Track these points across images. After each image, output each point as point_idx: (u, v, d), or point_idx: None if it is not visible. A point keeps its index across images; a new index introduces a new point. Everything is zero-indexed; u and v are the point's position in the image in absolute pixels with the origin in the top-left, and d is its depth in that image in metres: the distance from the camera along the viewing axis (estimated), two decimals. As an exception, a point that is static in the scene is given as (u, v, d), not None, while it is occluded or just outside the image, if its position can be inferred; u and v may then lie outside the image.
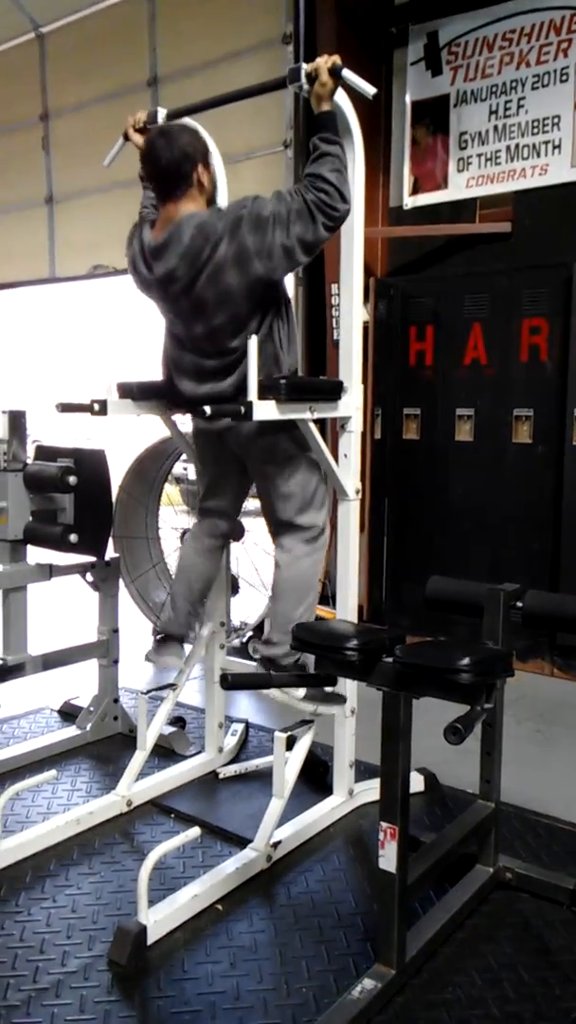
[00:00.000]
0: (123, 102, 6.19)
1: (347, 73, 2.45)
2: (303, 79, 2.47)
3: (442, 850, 2.22)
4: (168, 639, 2.91)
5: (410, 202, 4.89)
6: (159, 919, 2.18)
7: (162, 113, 2.83)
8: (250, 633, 4.55)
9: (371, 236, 4.27)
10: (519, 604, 2.30)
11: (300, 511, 2.71)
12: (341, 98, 2.54)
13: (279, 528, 2.75)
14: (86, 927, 2.24)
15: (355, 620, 2.84)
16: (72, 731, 3.39)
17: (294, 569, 2.72)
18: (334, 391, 2.65)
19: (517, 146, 4.48)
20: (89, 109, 6.53)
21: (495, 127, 4.55)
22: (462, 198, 4.70)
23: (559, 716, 3.77)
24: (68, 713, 3.63)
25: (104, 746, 3.36)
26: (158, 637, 2.93)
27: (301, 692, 2.65)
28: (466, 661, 1.82)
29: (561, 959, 2.12)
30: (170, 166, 2.44)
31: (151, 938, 2.14)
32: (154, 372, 2.83)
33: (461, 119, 4.67)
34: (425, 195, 4.83)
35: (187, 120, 2.82)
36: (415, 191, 4.87)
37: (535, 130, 4.42)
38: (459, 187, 4.71)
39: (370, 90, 2.54)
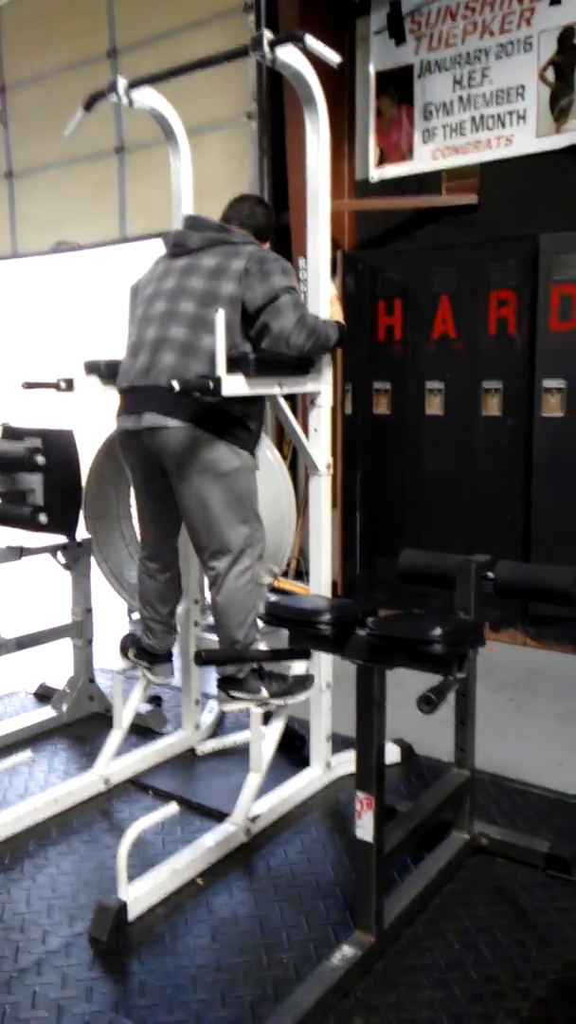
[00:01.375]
0: (83, 72, 6.07)
1: (311, 41, 2.41)
2: (265, 47, 2.42)
3: (418, 818, 2.25)
4: (157, 658, 2.93)
5: (376, 174, 4.86)
6: (139, 895, 2.19)
7: (122, 83, 2.78)
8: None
9: (338, 209, 4.24)
10: (490, 575, 2.32)
11: (233, 527, 2.55)
12: (304, 66, 2.50)
13: (210, 549, 2.58)
14: (66, 906, 2.25)
15: (328, 595, 2.85)
16: (48, 712, 3.38)
17: (228, 591, 2.62)
18: (303, 366, 2.64)
19: (482, 117, 4.46)
20: (48, 80, 6.40)
21: (460, 97, 4.53)
22: (428, 170, 4.69)
23: (532, 685, 3.82)
24: (43, 695, 3.62)
25: (81, 726, 3.35)
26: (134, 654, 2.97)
27: (265, 693, 2.63)
28: (438, 632, 1.84)
29: (537, 921, 2.16)
30: None
31: (132, 914, 2.15)
32: (121, 350, 2.79)
33: (425, 89, 4.64)
34: (391, 167, 4.81)
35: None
36: (381, 163, 4.84)
37: (500, 100, 4.40)
38: (425, 158, 4.69)
39: (334, 58, 2.50)
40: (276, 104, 5.24)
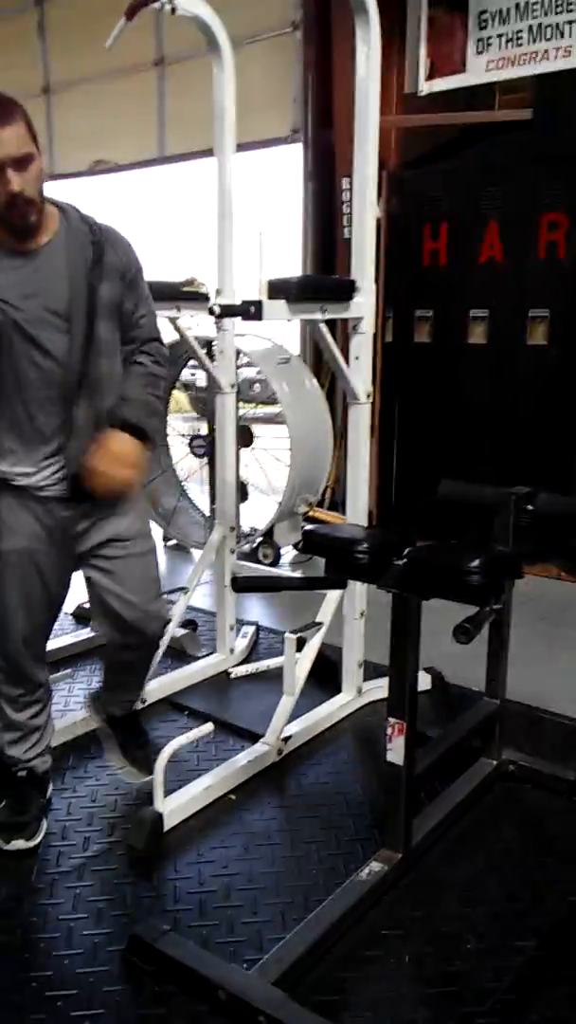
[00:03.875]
0: (122, -20, 5.83)
1: None
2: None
3: (447, 744, 2.29)
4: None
5: (426, 87, 4.63)
6: (174, 807, 2.27)
7: (164, -12, 2.66)
8: (259, 538, 4.58)
9: (384, 126, 4.07)
10: (530, 507, 2.30)
11: (157, 598, 2.23)
12: (354, -30, 2.37)
13: (142, 642, 2.23)
14: (105, 815, 2.34)
15: (365, 524, 2.85)
16: (87, 633, 3.46)
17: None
18: (346, 291, 2.58)
19: (540, 25, 4.21)
20: (86, -11, 6.17)
21: (516, 5, 4.27)
22: (481, 83, 4.46)
23: (566, 618, 3.82)
24: (82, 616, 3.70)
25: (118, 647, 3.43)
26: None
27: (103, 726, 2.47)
28: (475, 563, 1.83)
29: (561, 846, 2.21)
30: None
31: (167, 825, 2.24)
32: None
33: (482, -5, 4.38)
34: (442, 80, 4.58)
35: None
36: (431, 75, 4.61)
37: (559, 8, 4.14)
38: (478, 71, 4.45)
39: (386, -39, 2.37)
40: (323, 14, 5.00)
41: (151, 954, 1.79)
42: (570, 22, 4.12)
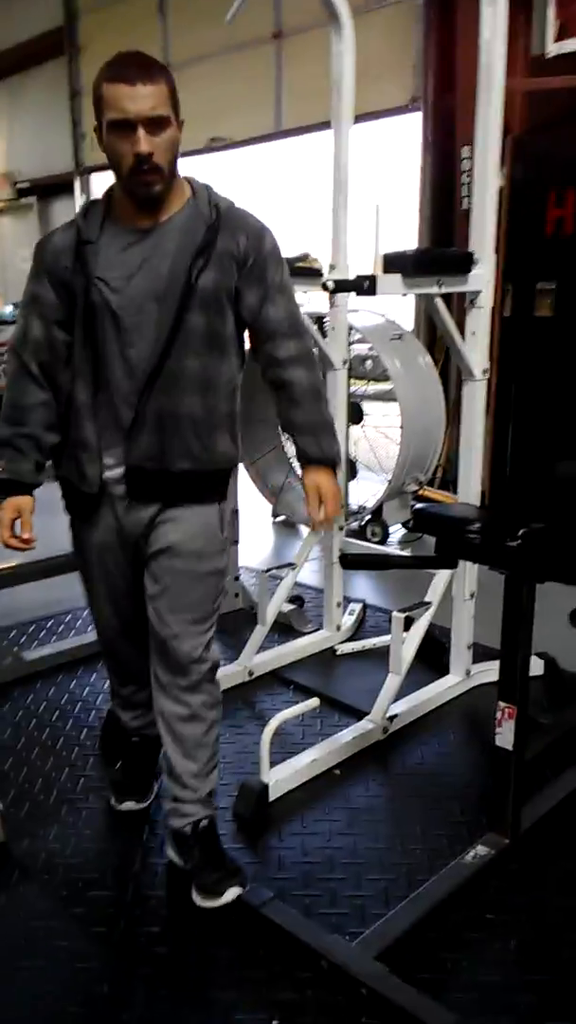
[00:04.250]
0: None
1: None
2: None
3: (560, 730, 2.22)
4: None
5: (555, 49, 4.41)
6: (280, 779, 2.31)
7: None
8: (368, 516, 4.56)
9: (510, 88, 3.90)
10: None
11: (207, 633, 1.94)
12: None
13: (177, 667, 1.91)
14: (213, 782, 2.40)
15: (477, 504, 2.78)
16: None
17: (200, 727, 1.96)
18: (464, 263, 2.51)
19: None
20: (206, -36, 6.19)
21: None
22: (613, 42, 4.22)
23: None
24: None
25: (227, 621, 3.49)
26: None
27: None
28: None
29: None
30: None
31: (272, 795, 2.27)
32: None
33: (616, -53, 4.13)
34: (572, 41, 4.35)
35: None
36: (560, 37, 4.39)
37: None
38: (610, 29, 4.21)
39: None
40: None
41: (257, 920, 1.83)
42: None
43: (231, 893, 1.90)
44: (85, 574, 2.03)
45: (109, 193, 1.81)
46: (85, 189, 8.62)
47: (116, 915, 1.90)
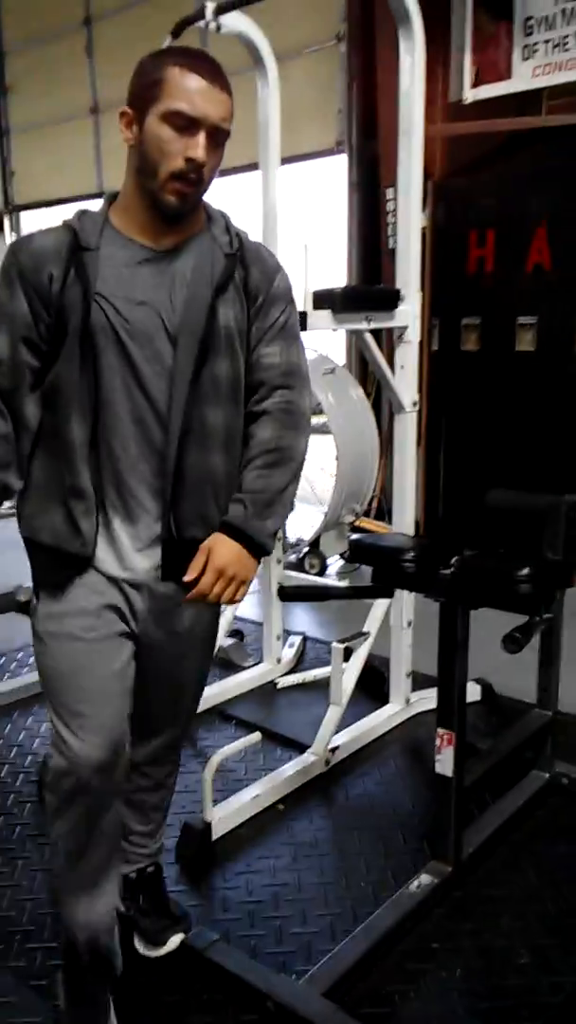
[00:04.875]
0: (166, 2, 5.95)
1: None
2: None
3: (498, 756, 2.25)
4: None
5: (471, 95, 4.61)
6: (223, 816, 2.28)
7: (210, 8, 2.70)
8: (306, 548, 4.59)
9: (429, 134, 4.07)
10: (581, 515, 2.26)
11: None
12: (398, -19, 2.38)
13: (166, 754, 1.82)
14: (155, 823, 2.36)
15: (412, 534, 2.83)
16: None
17: (161, 794, 1.88)
18: (390, 300, 2.58)
19: (587, 29, 4.17)
20: (133, 11, 6.30)
21: (563, 10, 4.24)
22: (528, 89, 4.43)
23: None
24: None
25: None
26: None
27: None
28: (524, 571, 1.81)
29: (616, 861, 2.16)
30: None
31: (216, 834, 2.24)
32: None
33: (526, 2, 4.35)
34: (488, 87, 4.56)
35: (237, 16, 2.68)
36: (477, 83, 4.60)
37: (607, 11, 4.10)
38: (524, 77, 4.42)
39: (429, -29, 2.38)
40: (367, 25, 5.02)
41: (202, 963, 1.80)
42: (618, 25, 4.08)
43: (174, 941, 1.85)
44: (57, 675, 1.54)
45: (111, 199, 1.52)
46: (15, 228, 8.58)
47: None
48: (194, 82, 1.38)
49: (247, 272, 1.54)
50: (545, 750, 2.45)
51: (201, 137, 1.39)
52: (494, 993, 1.76)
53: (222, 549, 1.51)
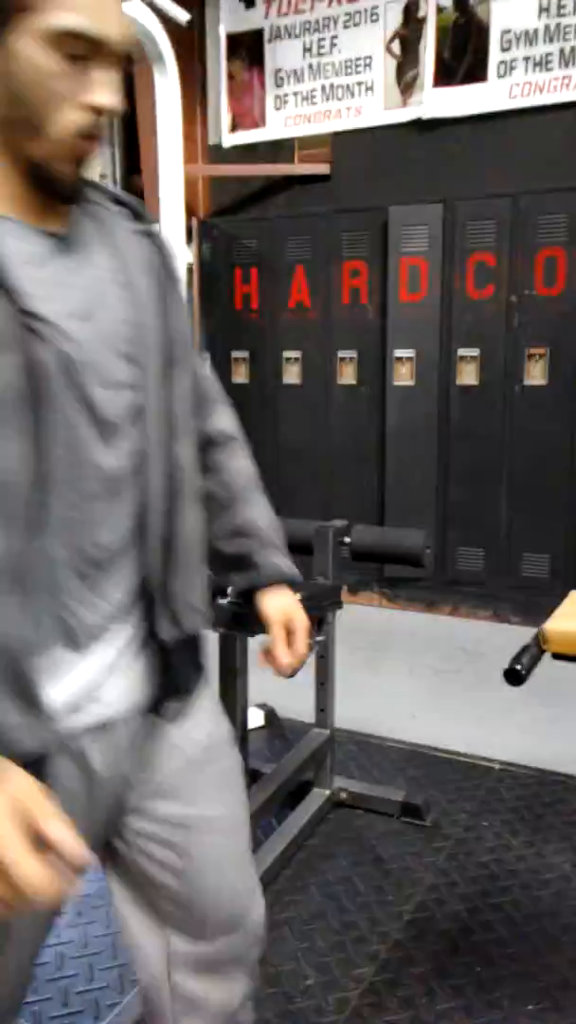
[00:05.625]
0: None
1: (156, -3, 2.34)
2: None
3: (280, 779, 2.30)
4: None
5: (229, 140, 4.80)
6: None
7: None
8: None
9: (191, 175, 4.17)
10: (347, 539, 2.39)
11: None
12: (153, 23, 2.43)
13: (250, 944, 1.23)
14: None
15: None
16: None
17: None
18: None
19: (332, 86, 4.49)
20: None
21: (310, 65, 4.53)
22: (280, 137, 4.67)
23: (388, 644, 3.98)
24: None
25: None
26: None
27: None
28: (297, 596, 1.87)
29: (392, 867, 2.27)
30: None
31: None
32: None
33: (276, 55, 4.61)
34: (244, 133, 4.76)
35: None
36: (234, 128, 4.79)
37: (348, 70, 4.44)
38: (277, 126, 4.67)
39: (182, 16, 2.45)
40: (125, 63, 5.06)
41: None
42: (359, 83, 4.42)
43: None
44: None
45: None
46: None
47: None
48: None
49: (163, 254, 1.06)
50: (324, 767, 2.54)
51: (105, 71, 0.89)
52: (282, 1019, 1.78)
53: (293, 605, 1.28)
